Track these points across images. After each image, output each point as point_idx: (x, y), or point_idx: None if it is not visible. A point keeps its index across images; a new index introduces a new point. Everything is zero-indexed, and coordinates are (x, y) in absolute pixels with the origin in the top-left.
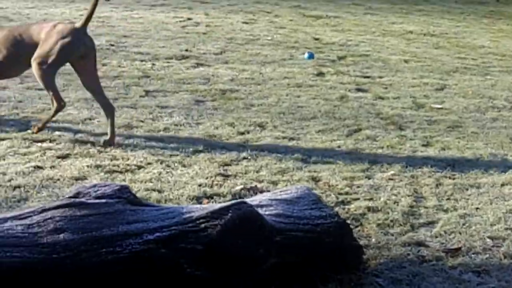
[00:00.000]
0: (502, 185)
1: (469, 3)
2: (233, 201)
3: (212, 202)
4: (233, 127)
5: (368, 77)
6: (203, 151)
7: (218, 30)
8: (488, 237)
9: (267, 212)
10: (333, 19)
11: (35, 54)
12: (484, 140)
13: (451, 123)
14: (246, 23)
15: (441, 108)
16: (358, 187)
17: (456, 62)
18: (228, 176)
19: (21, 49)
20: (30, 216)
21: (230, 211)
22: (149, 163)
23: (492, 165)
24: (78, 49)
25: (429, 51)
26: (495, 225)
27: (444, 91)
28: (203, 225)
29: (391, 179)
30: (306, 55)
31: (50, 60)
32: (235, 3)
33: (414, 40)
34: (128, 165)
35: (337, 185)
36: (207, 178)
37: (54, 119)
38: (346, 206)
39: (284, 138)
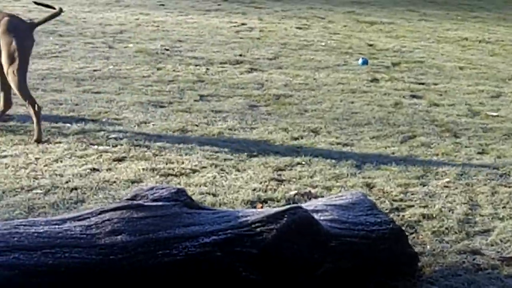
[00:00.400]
0: None
1: None
2: (288, 206)
3: (266, 206)
4: (287, 132)
5: (422, 83)
6: (257, 156)
7: (272, 35)
8: None
9: (322, 217)
10: (388, 25)
11: (7, 63)
12: None
13: (507, 131)
14: (300, 28)
15: (497, 116)
16: (413, 194)
17: None
18: (282, 181)
19: None
20: (88, 217)
21: (286, 215)
22: (203, 167)
23: None
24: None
25: (485, 58)
26: None
27: (500, 99)
28: (258, 229)
29: (446, 187)
30: (360, 61)
31: (20, 66)
32: (289, 9)
33: (469, 47)
34: (183, 168)
35: (391, 191)
36: (261, 182)
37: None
38: (401, 213)
39: (338, 144)
